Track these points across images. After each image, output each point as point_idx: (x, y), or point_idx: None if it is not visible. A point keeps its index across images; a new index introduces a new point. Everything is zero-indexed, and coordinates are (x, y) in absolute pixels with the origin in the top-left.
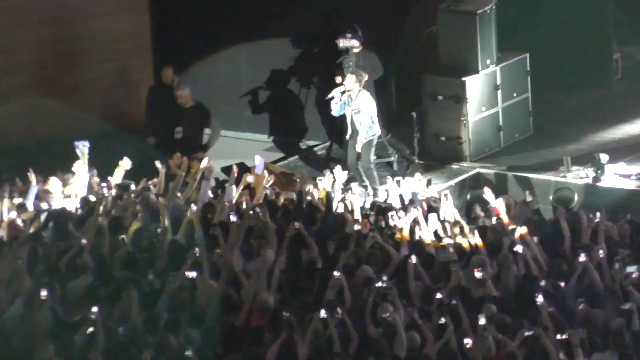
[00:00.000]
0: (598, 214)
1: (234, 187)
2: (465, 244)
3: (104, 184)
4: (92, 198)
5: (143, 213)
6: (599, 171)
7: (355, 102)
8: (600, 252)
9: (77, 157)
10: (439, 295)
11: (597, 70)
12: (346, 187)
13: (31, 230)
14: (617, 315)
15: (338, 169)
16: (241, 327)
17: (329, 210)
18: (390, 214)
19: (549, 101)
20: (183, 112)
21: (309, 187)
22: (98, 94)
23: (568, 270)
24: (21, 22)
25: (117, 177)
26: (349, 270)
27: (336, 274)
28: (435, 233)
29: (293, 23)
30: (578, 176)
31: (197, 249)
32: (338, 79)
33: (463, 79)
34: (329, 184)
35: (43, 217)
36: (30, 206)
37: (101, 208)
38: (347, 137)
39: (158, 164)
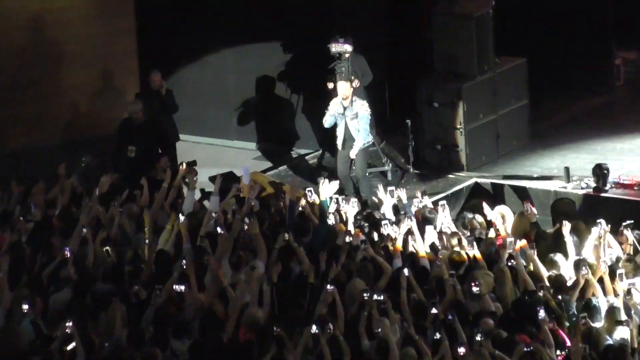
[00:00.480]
0: (600, 226)
1: (218, 197)
2: (463, 256)
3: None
4: (74, 208)
5: (128, 224)
6: (601, 181)
7: (351, 108)
8: (602, 265)
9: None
10: (434, 310)
11: (598, 77)
12: (340, 197)
13: (12, 241)
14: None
15: (330, 180)
16: (229, 342)
17: (322, 221)
18: (383, 222)
19: (548, 108)
20: (136, 129)
21: (301, 197)
22: (82, 99)
23: (570, 284)
24: (2, 25)
25: (102, 186)
26: (341, 283)
27: (328, 287)
28: (432, 245)
29: (282, 26)
30: (579, 186)
31: (184, 261)
32: (330, 85)
33: (459, 85)
34: (322, 194)
35: (26, 227)
36: (13, 215)
37: (86, 218)
38: (340, 146)
39: (143, 180)
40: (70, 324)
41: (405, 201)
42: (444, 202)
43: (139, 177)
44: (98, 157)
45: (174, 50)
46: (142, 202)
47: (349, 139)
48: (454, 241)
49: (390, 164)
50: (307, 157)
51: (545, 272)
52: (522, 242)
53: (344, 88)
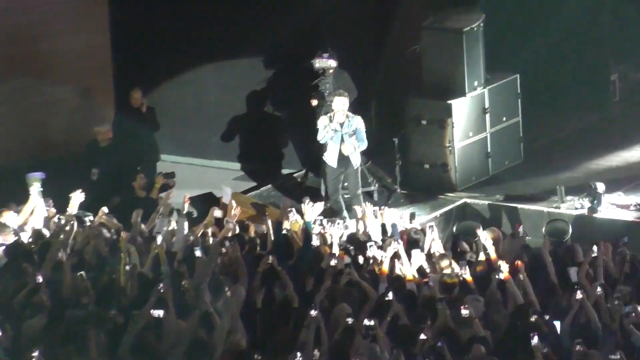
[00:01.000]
0: (595, 248)
1: (185, 220)
2: (454, 279)
3: (61, 216)
4: (46, 231)
5: (103, 247)
6: (595, 201)
7: (349, 124)
8: (598, 289)
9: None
10: (422, 336)
11: (593, 93)
12: (324, 219)
13: None
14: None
15: (314, 201)
16: None
17: (306, 244)
18: (369, 245)
19: (541, 126)
20: (100, 151)
21: (284, 219)
22: (56, 117)
23: (564, 308)
24: None
25: (72, 208)
26: (325, 308)
27: (313, 312)
28: (420, 269)
29: (265, 41)
30: (573, 207)
31: (161, 285)
32: (314, 102)
33: (448, 101)
34: (307, 215)
35: None
36: None
37: (59, 242)
38: (333, 163)
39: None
40: (37, 353)
41: (392, 222)
42: (432, 223)
43: (104, 201)
44: (72, 176)
45: (151, 67)
46: (114, 225)
47: (345, 157)
48: (444, 263)
49: (377, 184)
50: (290, 177)
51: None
52: (516, 265)
53: (340, 103)
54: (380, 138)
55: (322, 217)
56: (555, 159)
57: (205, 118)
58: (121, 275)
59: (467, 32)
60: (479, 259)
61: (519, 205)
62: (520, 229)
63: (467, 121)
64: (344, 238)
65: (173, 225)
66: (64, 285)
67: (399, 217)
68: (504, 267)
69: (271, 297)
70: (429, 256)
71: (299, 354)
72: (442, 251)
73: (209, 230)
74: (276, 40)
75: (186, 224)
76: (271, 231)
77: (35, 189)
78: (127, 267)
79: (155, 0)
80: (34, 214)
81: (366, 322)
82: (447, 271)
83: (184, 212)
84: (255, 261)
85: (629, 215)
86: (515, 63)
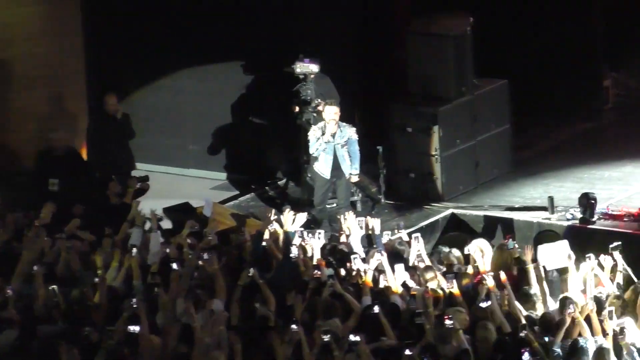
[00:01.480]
0: (587, 260)
1: (158, 233)
2: (438, 293)
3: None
4: (15, 243)
5: (74, 260)
6: (588, 212)
7: (341, 134)
8: (590, 302)
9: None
10: (407, 352)
11: (586, 99)
12: (305, 230)
13: None
14: None
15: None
16: None
17: (286, 256)
18: (353, 257)
19: (531, 133)
20: (58, 161)
21: (264, 230)
22: (27, 124)
23: (555, 322)
24: None
25: (44, 218)
26: (306, 322)
27: (294, 327)
28: (404, 284)
29: (244, 45)
30: (564, 217)
31: (134, 300)
32: (295, 109)
33: (435, 108)
34: (288, 225)
35: None
36: None
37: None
38: (326, 174)
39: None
40: None
41: (377, 232)
42: (418, 234)
43: (67, 212)
44: (43, 187)
45: (126, 72)
46: (87, 238)
47: (337, 168)
48: (429, 276)
49: (360, 194)
50: (270, 187)
51: (523, 312)
52: (502, 277)
53: (332, 113)
54: (364, 146)
55: (302, 228)
56: (546, 168)
57: (182, 125)
58: (95, 289)
59: (454, 37)
60: (467, 271)
61: (508, 216)
62: (510, 241)
63: (455, 129)
64: (326, 249)
65: (147, 236)
66: (36, 299)
67: (383, 227)
68: (489, 280)
69: (251, 312)
70: (413, 268)
71: None
72: (428, 263)
73: (187, 242)
74: (255, 44)
75: (160, 237)
76: (250, 243)
77: None
78: (96, 280)
79: (130, 3)
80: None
81: (351, 337)
82: (432, 284)
83: (154, 226)
84: (234, 274)
85: (623, 227)
86: (504, 68)
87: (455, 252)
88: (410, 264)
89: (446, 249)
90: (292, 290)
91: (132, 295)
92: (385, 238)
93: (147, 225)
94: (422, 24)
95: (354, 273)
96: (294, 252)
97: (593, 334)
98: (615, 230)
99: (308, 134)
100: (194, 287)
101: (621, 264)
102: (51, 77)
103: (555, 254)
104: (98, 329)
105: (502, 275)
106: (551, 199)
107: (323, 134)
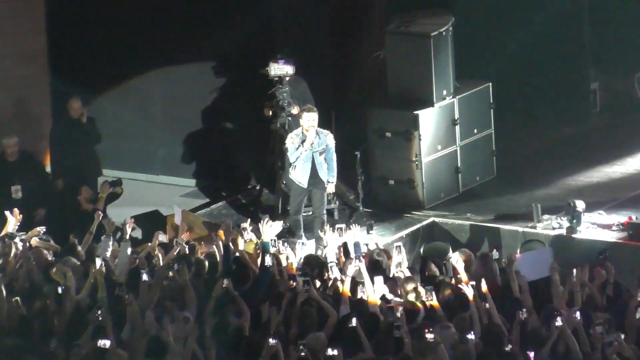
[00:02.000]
0: (574, 272)
1: (128, 244)
2: (417, 305)
3: None
4: None
5: (36, 270)
6: (575, 221)
7: (319, 142)
8: (577, 315)
9: None
10: None
11: (572, 102)
12: (280, 240)
13: None
14: None
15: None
16: None
17: (263, 266)
18: (329, 264)
19: (515, 138)
20: (12, 167)
21: (238, 239)
22: None
23: (541, 336)
24: None
25: (7, 227)
26: (280, 333)
27: (271, 341)
28: (383, 297)
29: (215, 47)
30: (550, 226)
31: (99, 312)
32: (268, 112)
33: (415, 112)
34: (265, 234)
35: None
36: None
37: None
38: (304, 183)
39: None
40: None
41: (357, 240)
42: (400, 243)
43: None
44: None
45: (92, 74)
46: (50, 247)
47: (315, 176)
48: (409, 287)
49: (337, 202)
50: (243, 194)
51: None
52: (483, 288)
53: (310, 120)
54: (341, 151)
55: (275, 238)
56: (531, 174)
57: (150, 129)
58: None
59: (435, 37)
60: (449, 282)
61: (492, 225)
62: (494, 252)
63: (435, 133)
64: (302, 259)
65: (116, 246)
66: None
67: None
68: (469, 291)
69: (225, 325)
70: (393, 279)
71: None
72: (408, 274)
73: (156, 251)
74: (227, 45)
75: (129, 249)
76: (221, 253)
77: None
78: (59, 291)
79: (96, 2)
80: None
81: (329, 351)
82: (412, 295)
83: (127, 237)
84: (206, 285)
85: (611, 236)
86: (487, 70)
87: (437, 262)
88: (390, 274)
89: (428, 260)
90: (266, 301)
91: (97, 309)
92: (364, 248)
93: (118, 235)
94: (401, 24)
95: (330, 282)
96: (268, 261)
97: (581, 347)
98: (603, 240)
99: (285, 141)
100: (163, 298)
101: (610, 271)
102: (13, 78)
103: (536, 263)
104: (63, 343)
105: (484, 286)
106: (537, 206)
107: (303, 142)
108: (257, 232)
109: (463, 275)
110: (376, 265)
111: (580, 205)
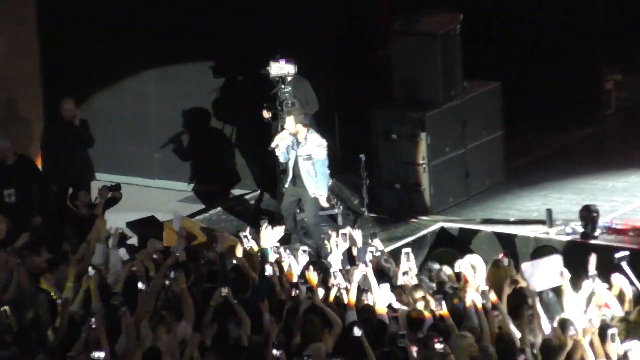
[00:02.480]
0: (590, 279)
1: (119, 251)
2: (419, 315)
3: None
4: None
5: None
6: (589, 226)
7: (304, 147)
8: (592, 324)
9: None
10: None
11: (585, 103)
12: (282, 247)
13: None
14: None
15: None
16: None
17: (262, 274)
18: (333, 271)
19: (526, 141)
20: (7, 170)
21: (236, 246)
22: None
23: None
24: None
25: None
26: (282, 343)
27: (275, 352)
28: (389, 306)
29: (213, 46)
30: (563, 232)
31: (93, 320)
32: (267, 115)
33: (422, 114)
34: (264, 241)
35: None
36: None
37: None
38: (286, 184)
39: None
40: None
41: (360, 245)
42: (408, 249)
43: (22, 224)
44: None
45: (85, 74)
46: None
47: (299, 178)
48: (417, 295)
49: (341, 207)
50: (243, 199)
51: (517, 334)
52: (492, 297)
53: (289, 124)
54: (345, 154)
55: (278, 245)
56: (543, 178)
57: (146, 132)
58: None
59: (442, 36)
60: (458, 290)
61: (503, 230)
62: (505, 259)
63: (443, 136)
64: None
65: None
66: None
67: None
68: (477, 298)
69: (224, 334)
70: (401, 287)
71: None
72: (416, 281)
73: (154, 258)
74: (225, 45)
75: (123, 255)
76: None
77: None
78: (58, 301)
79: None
80: None
81: None
82: (420, 304)
83: (115, 244)
84: (204, 294)
85: (628, 242)
86: (496, 70)
87: (447, 269)
88: (398, 282)
89: (436, 266)
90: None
91: (91, 318)
92: (370, 255)
93: (110, 242)
94: (407, 22)
95: (334, 289)
96: (269, 270)
97: (596, 358)
98: (619, 246)
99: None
100: (159, 308)
101: (631, 277)
102: (3, 79)
103: (545, 272)
104: (54, 355)
105: (493, 296)
106: (549, 211)
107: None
108: (258, 239)
109: (472, 283)
110: (383, 272)
111: (594, 210)
